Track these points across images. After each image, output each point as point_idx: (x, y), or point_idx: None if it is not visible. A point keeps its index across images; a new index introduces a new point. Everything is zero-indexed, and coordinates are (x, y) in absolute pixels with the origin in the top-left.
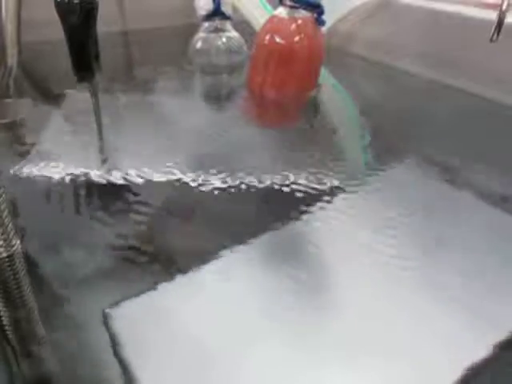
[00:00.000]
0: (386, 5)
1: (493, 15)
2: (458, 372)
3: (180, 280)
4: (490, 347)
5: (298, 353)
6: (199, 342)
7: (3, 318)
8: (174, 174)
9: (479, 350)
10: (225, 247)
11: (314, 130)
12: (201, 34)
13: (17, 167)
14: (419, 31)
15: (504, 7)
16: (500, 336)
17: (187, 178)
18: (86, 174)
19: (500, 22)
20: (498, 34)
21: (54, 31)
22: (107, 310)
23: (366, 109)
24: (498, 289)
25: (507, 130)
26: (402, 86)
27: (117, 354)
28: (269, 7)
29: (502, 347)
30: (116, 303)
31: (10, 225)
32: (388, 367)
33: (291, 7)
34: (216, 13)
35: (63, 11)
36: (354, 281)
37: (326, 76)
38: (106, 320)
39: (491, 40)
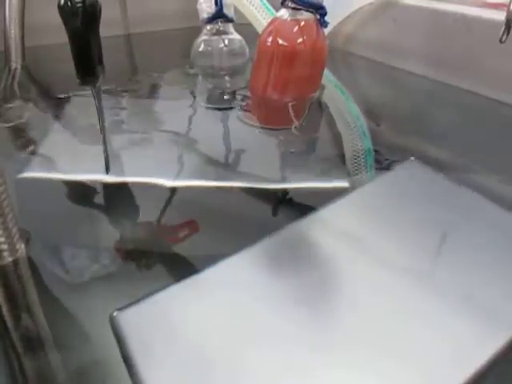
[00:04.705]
0: (389, 6)
1: (496, 15)
2: (465, 374)
3: (186, 283)
4: (497, 349)
5: (302, 356)
6: (206, 345)
7: (8, 322)
8: (176, 176)
9: (486, 351)
10: (229, 250)
11: (316, 132)
12: (203, 37)
13: (21, 171)
14: (422, 32)
15: None
16: (507, 337)
17: (189, 180)
18: (89, 178)
19: (509, 23)
20: (507, 35)
21: (57, 35)
22: (114, 313)
23: (369, 110)
24: (504, 290)
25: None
26: (405, 86)
27: (124, 356)
28: (271, 9)
29: (509, 348)
30: (122, 306)
31: (15, 229)
32: (393, 369)
33: (293, 9)
34: (218, 15)
35: (66, 15)
36: (358, 283)
37: (328, 77)
38: (112, 323)
39: (501, 41)
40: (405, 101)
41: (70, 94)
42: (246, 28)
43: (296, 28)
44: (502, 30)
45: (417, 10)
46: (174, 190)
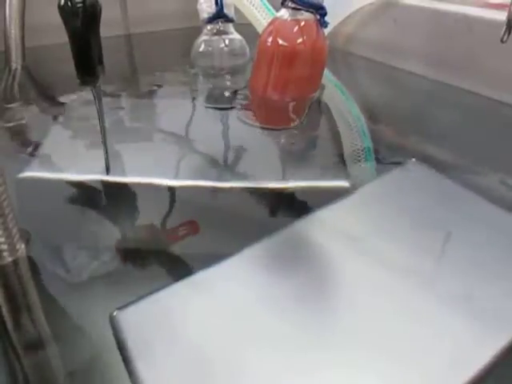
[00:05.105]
0: (390, 6)
1: (498, 15)
2: (464, 376)
3: (186, 282)
4: (497, 350)
5: (302, 356)
6: (205, 345)
7: (8, 322)
8: (176, 176)
9: (485, 352)
10: (229, 250)
11: (316, 131)
12: (203, 37)
13: (21, 171)
14: (423, 32)
15: None
16: (507, 338)
17: (189, 180)
18: (89, 178)
19: (510, 23)
20: (508, 35)
21: (57, 35)
22: (114, 313)
23: (369, 110)
24: (504, 290)
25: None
26: (406, 86)
27: (123, 356)
28: (271, 9)
29: (509, 350)
30: (122, 306)
31: (15, 229)
32: (392, 370)
33: (294, 9)
34: (219, 15)
35: (66, 15)
36: (358, 283)
37: (328, 77)
38: (112, 322)
39: (502, 41)
40: (405, 101)
41: (71, 94)
42: (246, 28)
43: (296, 28)
44: (503, 29)
45: (418, 10)
46: (174, 190)
